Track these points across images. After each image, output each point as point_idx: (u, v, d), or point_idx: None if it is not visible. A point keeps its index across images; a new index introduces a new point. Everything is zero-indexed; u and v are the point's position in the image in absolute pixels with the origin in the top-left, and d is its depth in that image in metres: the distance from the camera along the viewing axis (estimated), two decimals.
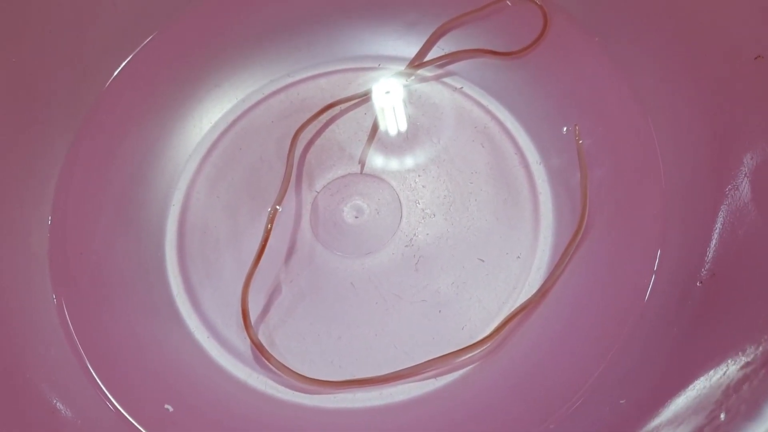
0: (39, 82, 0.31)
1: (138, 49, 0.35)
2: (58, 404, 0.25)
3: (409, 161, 0.33)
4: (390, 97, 0.34)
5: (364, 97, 0.34)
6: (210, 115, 0.34)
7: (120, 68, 0.34)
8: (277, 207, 0.31)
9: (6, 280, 0.27)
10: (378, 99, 0.34)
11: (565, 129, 0.31)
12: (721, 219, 0.24)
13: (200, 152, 0.34)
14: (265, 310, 0.30)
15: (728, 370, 0.18)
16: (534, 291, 0.29)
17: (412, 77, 0.34)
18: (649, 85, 0.30)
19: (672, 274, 0.26)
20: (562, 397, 0.26)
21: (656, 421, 0.21)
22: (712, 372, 0.19)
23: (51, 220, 0.31)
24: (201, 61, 0.35)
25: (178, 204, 0.32)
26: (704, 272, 0.24)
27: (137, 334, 0.29)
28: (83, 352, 0.28)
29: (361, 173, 0.33)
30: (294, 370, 0.28)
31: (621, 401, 0.23)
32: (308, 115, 0.34)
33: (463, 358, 0.28)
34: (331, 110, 0.34)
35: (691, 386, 0.20)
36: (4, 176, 0.29)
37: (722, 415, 0.16)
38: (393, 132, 0.33)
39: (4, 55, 0.29)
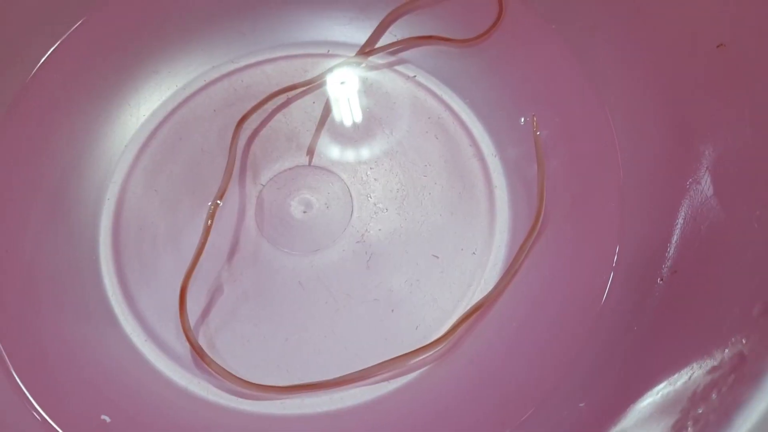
0: None
1: (67, 33, 0.32)
2: None
3: (361, 153, 0.31)
4: (341, 87, 0.32)
5: (313, 85, 0.32)
6: (147, 104, 0.32)
7: (47, 54, 0.32)
8: (219, 201, 0.29)
9: None
10: (329, 88, 0.32)
11: (522, 119, 0.30)
12: (683, 214, 0.24)
13: (137, 143, 0.31)
14: (206, 311, 0.28)
15: (694, 374, 0.17)
16: (490, 288, 0.28)
17: (363, 64, 0.33)
18: (608, 74, 0.30)
19: (632, 271, 0.25)
20: (519, 400, 0.25)
21: (617, 428, 0.20)
22: (676, 376, 0.18)
23: None
24: (137, 46, 0.33)
25: (113, 198, 0.30)
26: (665, 269, 0.23)
27: (69, 338, 0.27)
28: (7, 359, 0.25)
29: (309, 165, 0.31)
30: (236, 374, 0.26)
31: (580, 404, 0.22)
32: (253, 103, 0.32)
33: (417, 359, 0.27)
34: (277, 98, 0.32)
35: (653, 390, 0.19)
36: None
37: (689, 428, 0.15)
38: (344, 123, 0.32)
39: None
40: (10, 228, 0.29)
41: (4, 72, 0.31)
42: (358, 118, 0.32)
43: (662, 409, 0.17)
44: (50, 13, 0.31)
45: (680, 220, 0.24)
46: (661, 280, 0.23)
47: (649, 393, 0.20)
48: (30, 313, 0.27)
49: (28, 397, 0.25)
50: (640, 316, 0.23)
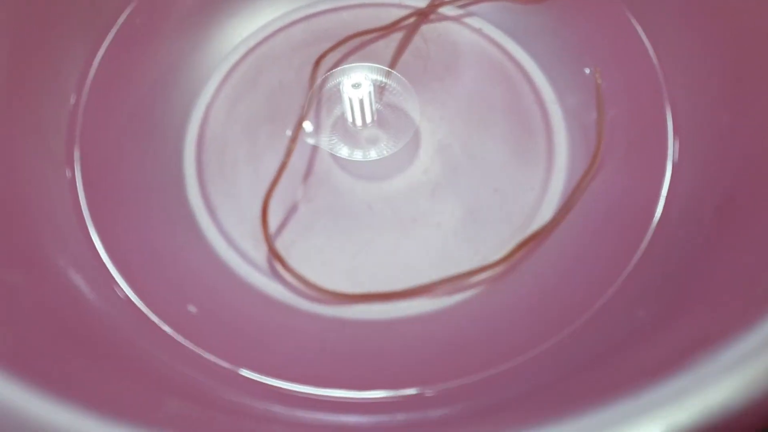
0: None
1: None
2: (80, 287, 0.25)
3: (428, 93, 0.33)
4: (411, 36, 0.35)
5: (387, 31, 0.34)
6: (230, 39, 0.34)
7: None
8: (304, 125, 0.31)
9: (26, 172, 0.27)
10: (401, 34, 0.34)
11: (588, 70, 0.32)
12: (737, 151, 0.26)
13: (219, 74, 0.34)
14: (283, 225, 0.30)
15: None
16: (546, 221, 0.30)
17: (432, 15, 0.35)
18: (666, 32, 0.32)
19: (687, 199, 0.27)
20: (575, 311, 0.27)
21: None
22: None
23: (68, 126, 0.31)
24: None
25: (197, 122, 0.32)
26: (720, 197, 0.25)
27: (157, 240, 0.29)
28: (105, 252, 0.28)
29: (380, 102, 0.33)
30: (309, 280, 0.28)
31: (639, 313, 0.24)
32: (330, 44, 0.34)
33: (477, 279, 0.29)
34: (352, 41, 0.34)
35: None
36: (26, 76, 0.29)
37: None
38: (414, 67, 0.34)
39: None
40: (103, 141, 0.31)
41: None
42: (427, 63, 0.34)
43: None
44: None
45: (733, 154, 0.26)
46: (718, 207, 0.25)
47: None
48: (122, 217, 0.29)
49: (124, 289, 0.27)
50: (696, 237, 0.25)
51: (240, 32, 0.35)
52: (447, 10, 0.35)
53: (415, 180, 0.31)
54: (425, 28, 0.35)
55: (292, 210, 0.31)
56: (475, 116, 0.33)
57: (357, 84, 0.31)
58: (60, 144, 0.29)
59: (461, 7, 0.35)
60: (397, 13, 0.35)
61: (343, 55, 0.34)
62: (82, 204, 0.28)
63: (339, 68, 0.32)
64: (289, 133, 0.31)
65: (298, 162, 0.31)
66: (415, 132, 0.32)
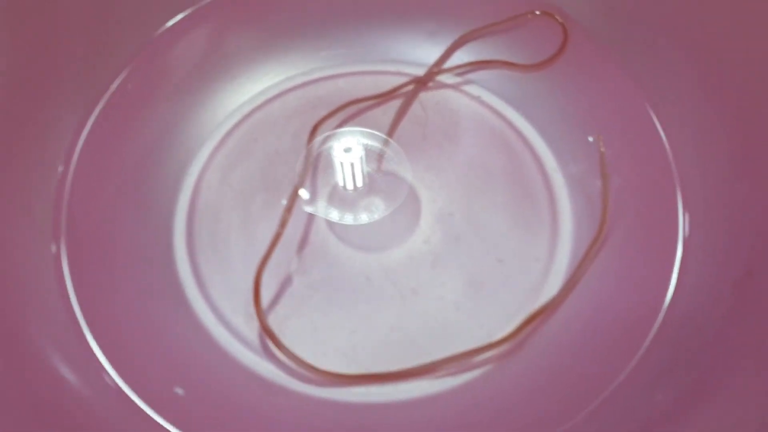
0: (59, 57, 0.30)
1: (158, 32, 0.34)
2: (64, 374, 0.23)
3: (427, 161, 0.32)
4: (409, 103, 0.34)
5: (383, 98, 0.34)
6: (225, 106, 0.34)
7: (139, 50, 0.34)
8: (300, 192, 0.30)
9: (9, 247, 0.26)
10: (399, 102, 0.34)
11: (591, 138, 0.31)
12: (750, 222, 0.25)
13: (213, 141, 0.33)
14: (276, 299, 0.29)
15: None
16: (553, 294, 0.28)
17: (431, 83, 0.34)
18: (667, 97, 0.31)
19: (700, 276, 0.26)
20: (585, 393, 0.25)
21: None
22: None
23: (54, 197, 0.29)
24: (221, 51, 0.35)
25: (189, 190, 0.31)
26: (738, 273, 0.24)
27: (144, 317, 0.27)
28: (90, 333, 0.26)
29: (378, 170, 0.32)
30: (305, 360, 0.27)
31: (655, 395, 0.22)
32: (326, 112, 0.33)
33: (482, 357, 0.27)
34: (349, 108, 0.34)
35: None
36: (13, 146, 0.28)
37: None
38: (412, 134, 0.33)
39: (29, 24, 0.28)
40: (91, 213, 0.30)
41: (97, 64, 0.33)
42: (426, 130, 0.33)
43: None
44: (148, 9, 0.33)
45: (749, 227, 0.25)
46: (735, 282, 0.24)
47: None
48: (108, 291, 0.28)
49: (107, 369, 0.25)
50: (713, 314, 0.24)
51: (235, 99, 0.34)
52: (445, 78, 0.35)
53: (416, 250, 0.30)
54: (423, 96, 0.34)
55: (286, 283, 0.29)
56: (476, 184, 0.32)
57: (348, 148, 0.30)
58: (46, 216, 0.28)
59: (459, 74, 0.35)
60: (394, 81, 0.35)
61: (340, 122, 0.34)
62: (67, 282, 0.27)
63: (333, 132, 0.31)
64: (284, 201, 0.30)
65: (292, 232, 0.30)
66: (415, 200, 0.31)
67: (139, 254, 0.29)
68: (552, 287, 0.29)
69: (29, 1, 0.28)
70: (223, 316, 0.28)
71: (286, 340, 0.27)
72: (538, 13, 0.35)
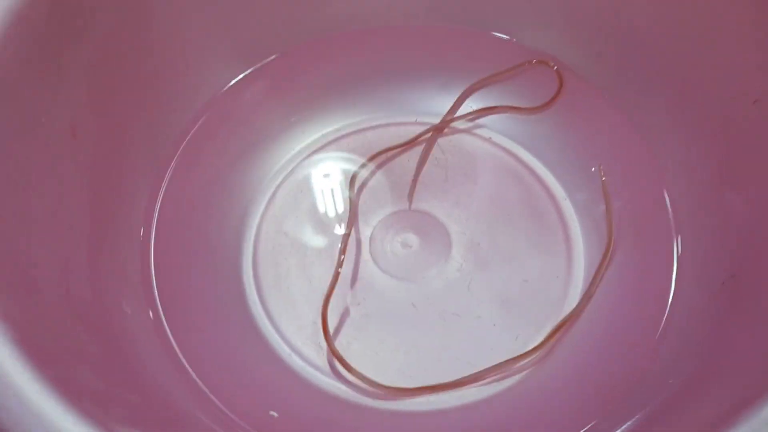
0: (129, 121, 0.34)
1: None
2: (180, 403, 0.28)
3: (451, 198, 0.37)
4: (430, 148, 0.39)
5: (408, 146, 0.39)
6: (270, 165, 0.38)
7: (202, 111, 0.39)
8: (348, 234, 0.35)
9: (114, 314, 0.30)
10: (421, 148, 0.39)
11: (593, 168, 0.37)
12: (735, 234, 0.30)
13: (265, 196, 0.38)
14: (338, 329, 0.33)
15: None
16: (574, 305, 0.33)
17: (446, 129, 0.40)
18: (656, 130, 0.36)
19: (695, 279, 0.31)
20: (610, 389, 0.30)
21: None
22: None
23: (141, 258, 0.34)
24: (262, 119, 0.40)
25: (251, 240, 0.36)
26: (726, 274, 0.29)
27: (230, 353, 0.32)
28: (193, 371, 0.31)
29: (409, 209, 0.37)
30: (371, 379, 0.31)
31: (670, 381, 0.27)
32: (359, 163, 0.38)
33: (519, 364, 0.32)
34: (378, 158, 0.39)
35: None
36: (105, 217, 0.32)
37: None
38: (435, 176, 0.38)
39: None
40: (174, 267, 0.35)
41: (168, 124, 0.37)
42: (446, 171, 0.38)
43: None
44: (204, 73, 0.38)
45: (731, 238, 0.30)
46: (723, 283, 0.29)
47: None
48: (199, 331, 0.32)
49: (212, 400, 0.30)
50: (710, 308, 0.29)
51: (279, 158, 0.39)
52: (459, 124, 0.40)
53: (452, 277, 0.35)
54: (441, 141, 0.40)
55: (345, 314, 0.34)
56: (497, 215, 0.37)
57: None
58: (135, 275, 0.33)
59: (470, 120, 0.40)
60: (415, 130, 0.40)
61: (372, 170, 0.39)
62: (170, 338, 0.31)
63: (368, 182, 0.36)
64: (338, 245, 0.35)
65: (344, 270, 0.35)
66: (446, 234, 0.36)
67: (219, 300, 0.34)
68: (572, 300, 0.34)
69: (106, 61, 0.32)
70: (295, 347, 0.33)
71: (352, 363, 0.32)
72: (534, 62, 0.41)
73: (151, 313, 0.32)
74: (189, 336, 0.32)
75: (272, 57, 0.40)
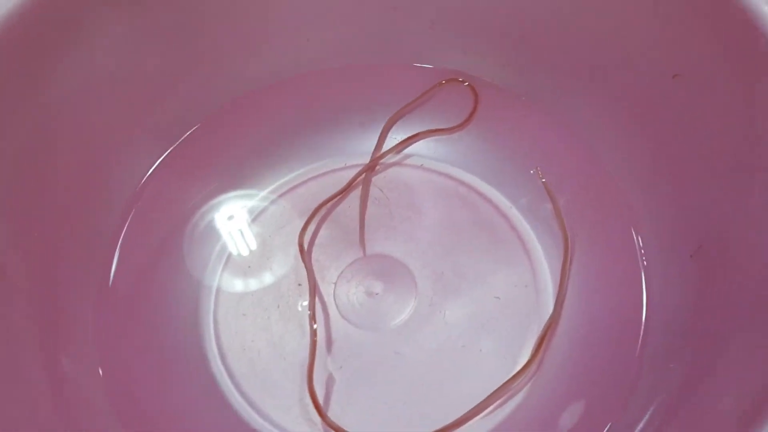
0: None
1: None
2: None
3: (402, 234, 0.37)
4: (366, 189, 0.38)
5: (344, 193, 0.38)
6: (208, 252, 0.37)
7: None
8: (314, 301, 0.33)
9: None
10: (357, 191, 0.38)
11: (531, 171, 0.37)
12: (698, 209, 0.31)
13: (213, 276, 0.36)
14: (327, 401, 0.32)
15: None
16: (549, 310, 0.34)
17: (378, 166, 0.39)
18: (584, 122, 0.37)
19: (662, 256, 0.32)
20: (607, 386, 0.30)
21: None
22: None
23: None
24: (194, 200, 0.38)
25: (210, 327, 0.34)
26: (692, 251, 0.30)
27: None
28: None
29: (365, 256, 0.36)
30: None
31: (671, 365, 0.28)
32: (301, 221, 0.37)
33: (517, 382, 0.32)
34: (318, 213, 0.37)
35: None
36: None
37: None
38: (379, 215, 0.37)
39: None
40: (131, 373, 0.32)
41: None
42: (389, 208, 0.38)
43: None
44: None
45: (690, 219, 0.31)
46: (692, 256, 0.30)
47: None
48: None
49: None
50: (686, 284, 0.30)
51: (214, 239, 0.37)
52: (389, 159, 0.39)
53: (426, 313, 0.34)
54: (376, 179, 0.39)
55: (330, 382, 0.32)
56: (451, 239, 0.36)
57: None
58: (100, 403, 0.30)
59: (398, 152, 0.40)
60: (347, 175, 0.39)
61: (317, 224, 0.37)
62: None
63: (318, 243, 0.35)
64: (305, 313, 0.34)
65: (318, 336, 0.34)
66: (407, 271, 0.35)
67: (198, 408, 0.31)
68: (547, 304, 0.34)
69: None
70: (284, 428, 0.31)
71: (353, 429, 0.31)
72: (444, 82, 0.41)
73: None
74: None
75: (194, 128, 0.38)
